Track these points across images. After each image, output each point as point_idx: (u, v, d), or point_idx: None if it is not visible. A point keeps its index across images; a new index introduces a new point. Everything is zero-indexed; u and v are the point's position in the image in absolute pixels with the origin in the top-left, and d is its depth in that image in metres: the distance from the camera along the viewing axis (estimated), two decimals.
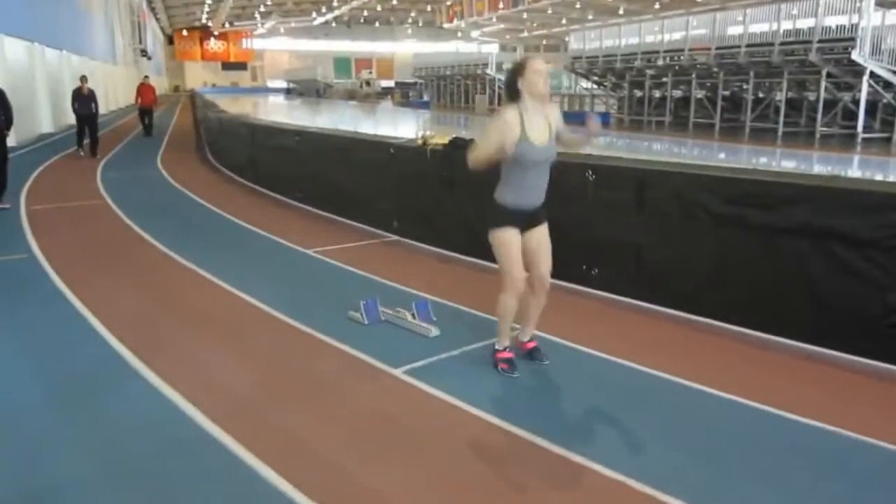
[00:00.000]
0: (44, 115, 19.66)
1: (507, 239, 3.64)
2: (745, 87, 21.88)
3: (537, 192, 3.70)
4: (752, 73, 20.60)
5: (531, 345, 4.04)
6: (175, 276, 5.86)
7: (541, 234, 3.78)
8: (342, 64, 76.84)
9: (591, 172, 5.18)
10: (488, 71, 35.03)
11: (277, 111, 28.97)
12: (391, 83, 61.68)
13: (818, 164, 14.57)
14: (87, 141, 15.24)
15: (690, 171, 4.73)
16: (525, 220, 3.70)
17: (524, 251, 3.72)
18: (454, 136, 6.53)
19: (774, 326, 4.28)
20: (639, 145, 17.97)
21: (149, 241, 7.10)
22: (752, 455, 2.98)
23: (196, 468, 2.88)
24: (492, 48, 61.27)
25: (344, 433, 3.18)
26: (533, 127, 3.55)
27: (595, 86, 30.40)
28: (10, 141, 12.57)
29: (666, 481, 2.74)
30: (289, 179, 9.62)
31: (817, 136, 18.68)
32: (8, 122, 9.14)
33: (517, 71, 3.62)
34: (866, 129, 18.12)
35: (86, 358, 4.04)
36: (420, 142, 6.78)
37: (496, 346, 3.92)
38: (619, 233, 5.11)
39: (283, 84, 67.47)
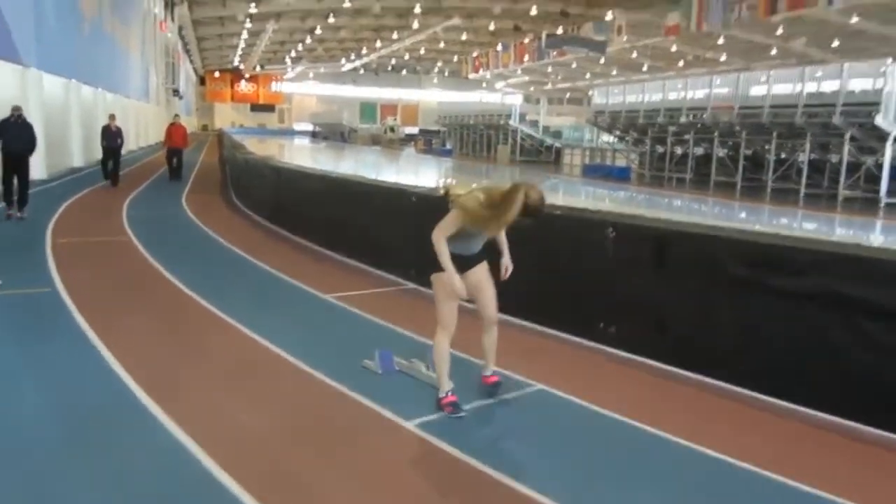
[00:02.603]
0: (76, 149, 20.14)
1: (445, 283, 3.95)
2: (767, 146, 21.95)
3: (476, 246, 4.15)
4: (774, 134, 20.68)
5: (493, 379, 4.29)
6: (194, 316, 5.90)
7: (480, 273, 4.16)
8: (368, 109, 78.27)
9: (611, 229, 5.20)
10: (511, 122, 35.47)
11: (303, 155, 29.47)
12: (415, 130, 62.62)
13: (840, 228, 14.49)
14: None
15: (711, 233, 4.73)
16: (464, 264, 4.05)
17: (468, 289, 4.04)
18: (476, 186, 6.58)
19: (794, 394, 4.21)
20: (659, 202, 18.01)
21: (170, 280, 7.18)
22: None
23: None
24: (515, 99, 62.17)
25: (354, 488, 3.15)
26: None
27: (617, 140, 30.66)
28: (41, 174, 13.08)
29: None
30: (312, 223, 9.73)
31: (840, 198, 18.62)
32: (31, 146, 10.62)
33: (515, 200, 3.74)
34: (889, 193, 18.04)
35: (102, 397, 4.06)
36: (442, 192, 6.83)
37: (439, 394, 4.08)
38: (638, 291, 5.08)
39: (308, 127, 68.72)
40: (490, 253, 4.25)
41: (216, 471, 3.18)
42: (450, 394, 4.05)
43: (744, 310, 4.46)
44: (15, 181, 10.58)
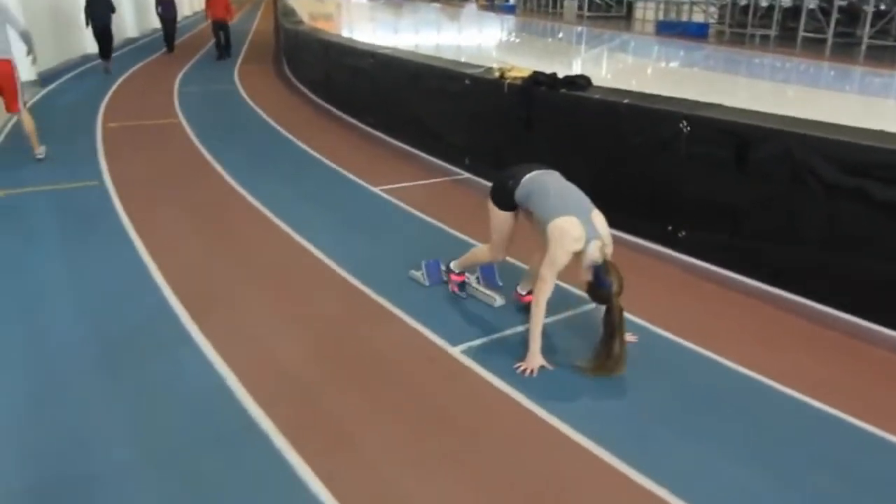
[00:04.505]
0: (129, 19, 19.73)
1: (503, 219, 3.74)
2: None
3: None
4: None
5: (530, 297, 3.75)
6: (238, 215, 5.70)
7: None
8: None
9: (685, 123, 4.62)
10: None
11: (360, 16, 28.29)
12: None
13: None
14: None
15: (802, 131, 4.10)
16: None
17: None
18: (534, 70, 5.98)
19: (885, 317, 3.77)
20: (738, 63, 16.60)
21: (217, 170, 6.97)
22: (849, 488, 2.61)
23: (235, 461, 2.73)
24: None
25: (392, 429, 2.95)
26: None
27: None
28: (95, 47, 13.32)
29: None
30: (362, 103, 9.26)
31: None
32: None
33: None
34: None
35: (141, 312, 3.94)
36: (497, 74, 6.27)
37: (453, 268, 4.16)
38: (713, 193, 4.58)
39: None
40: None
41: (255, 412, 3.00)
42: (462, 274, 4.17)
43: (835, 220, 3.94)
44: None
